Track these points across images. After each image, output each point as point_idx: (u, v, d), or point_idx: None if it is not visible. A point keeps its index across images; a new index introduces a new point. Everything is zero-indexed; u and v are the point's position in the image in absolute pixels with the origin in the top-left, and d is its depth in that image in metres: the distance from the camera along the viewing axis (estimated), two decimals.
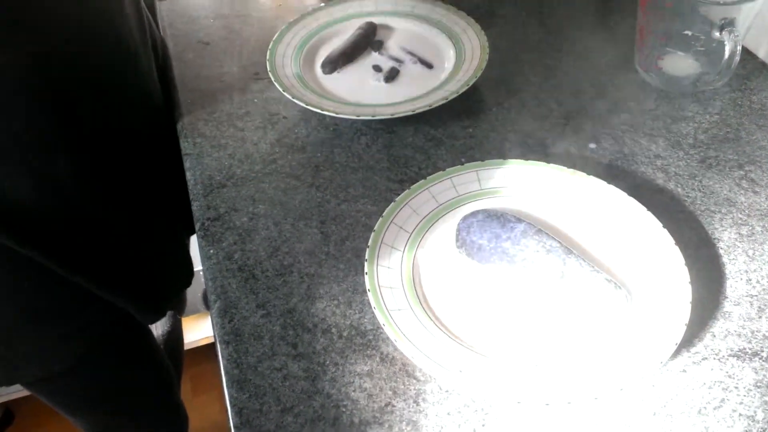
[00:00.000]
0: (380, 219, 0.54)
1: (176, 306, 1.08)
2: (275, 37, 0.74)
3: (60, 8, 0.59)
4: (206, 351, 1.61)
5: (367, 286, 0.49)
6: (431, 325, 0.47)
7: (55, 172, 0.63)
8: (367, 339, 0.50)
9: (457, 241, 0.53)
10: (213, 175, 0.64)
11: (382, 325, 0.47)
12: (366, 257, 0.51)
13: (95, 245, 0.69)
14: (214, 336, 0.51)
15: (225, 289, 0.54)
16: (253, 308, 0.52)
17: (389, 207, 0.55)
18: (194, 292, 1.47)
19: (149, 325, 0.90)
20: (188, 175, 0.64)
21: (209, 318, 1.57)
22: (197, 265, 0.87)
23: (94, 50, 0.64)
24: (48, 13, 0.58)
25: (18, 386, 0.80)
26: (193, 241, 0.92)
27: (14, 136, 0.59)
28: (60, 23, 0.59)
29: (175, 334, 1.11)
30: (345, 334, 0.50)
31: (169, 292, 0.85)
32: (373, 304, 0.48)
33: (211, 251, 0.57)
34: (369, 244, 0.52)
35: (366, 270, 0.50)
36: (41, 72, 0.58)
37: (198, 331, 1.55)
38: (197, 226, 0.59)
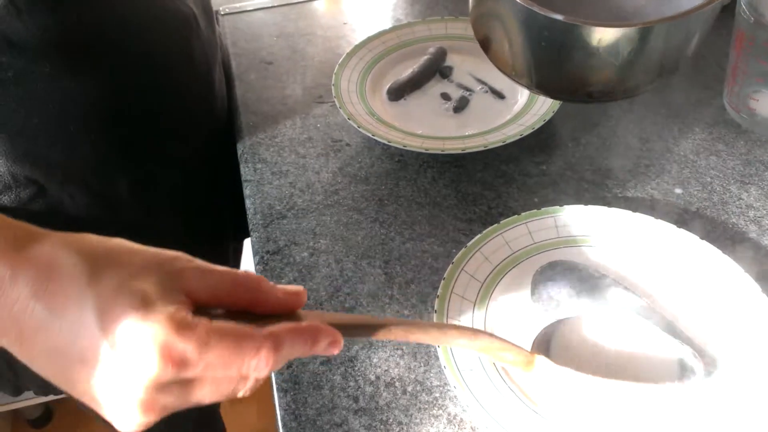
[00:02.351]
0: (450, 266, 0.51)
1: None
2: (341, 60, 0.72)
3: (138, 33, 0.58)
4: None
5: None
6: (505, 389, 0.44)
7: (114, 192, 0.62)
8: (433, 396, 0.46)
9: (533, 294, 0.49)
10: (273, 205, 0.61)
11: (453, 387, 0.44)
12: (435, 308, 0.48)
13: None
14: (271, 382, 0.49)
15: None
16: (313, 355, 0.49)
17: (460, 253, 0.51)
18: None
19: None
20: (248, 203, 0.62)
21: None
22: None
23: (168, 75, 0.63)
24: (126, 36, 0.57)
25: None
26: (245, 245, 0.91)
27: (78, 160, 0.58)
28: (137, 47, 0.58)
29: None
30: (410, 389, 0.47)
31: None
32: (443, 362, 0.45)
33: None
34: (438, 293, 0.49)
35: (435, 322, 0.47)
36: (113, 98, 0.57)
37: None
38: (255, 259, 0.57)
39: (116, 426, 0.31)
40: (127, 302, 0.29)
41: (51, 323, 0.29)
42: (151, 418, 0.31)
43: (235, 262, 0.86)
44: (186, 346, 0.29)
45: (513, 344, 0.39)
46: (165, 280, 0.31)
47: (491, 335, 0.38)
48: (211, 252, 0.78)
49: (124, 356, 0.29)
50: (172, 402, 0.31)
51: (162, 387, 0.30)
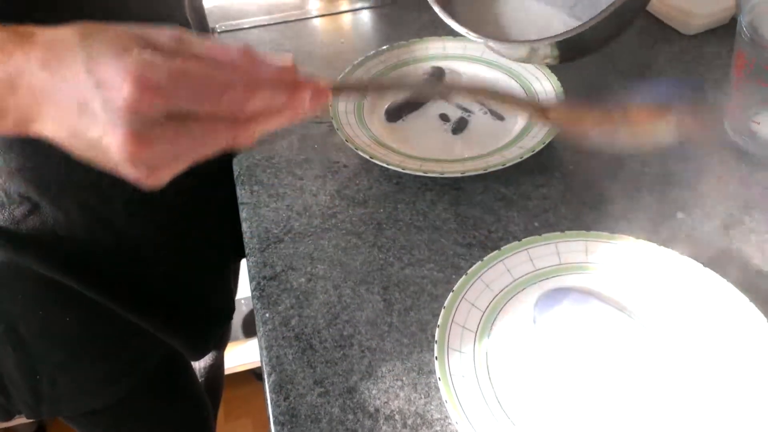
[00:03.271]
0: (451, 294, 0.50)
1: (220, 340, 1.05)
2: (338, 79, 0.71)
3: None
4: (241, 377, 1.59)
5: (438, 373, 0.45)
6: (508, 424, 0.43)
7: (109, 209, 0.61)
8: (434, 430, 0.45)
9: (534, 322, 0.48)
10: (270, 228, 0.60)
11: (455, 423, 0.43)
12: (436, 338, 0.47)
13: (145, 278, 0.68)
14: (268, 414, 0.48)
15: (281, 361, 0.50)
16: (311, 385, 0.48)
17: (460, 281, 0.50)
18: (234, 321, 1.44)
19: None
20: (244, 226, 0.61)
21: (246, 346, 1.55)
22: (244, 292, 0.85)
23: None
24: None
25: None
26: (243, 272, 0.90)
27: (72, 175, 0.57)
28: None
29: (216, 367, 1.09)
30: (410, 422, 0.46)
31: (215, 324, 0.83)
32: (444, 396, 0.44)
33: (267, 315, 0.53)
34: (439, 322, 0.48)
35: (436, 353, 0.46)
36: None
37: (234, 357, 1.52)
38: (252, 285, 0.56)
39: (133, 179, 0.35)
40: (111, 51, 0.32)
41: (54, 86, 0.33)
42: (156, 164, 0.34)
43: (235, 282, 0.85)
44: (159, 73, 0.32)
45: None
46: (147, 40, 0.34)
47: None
48: (210, 272, 0.77)
49: (106, 90, 0.32)
50: (167, 144, 0.33)
51: (150, 121, 0.32)
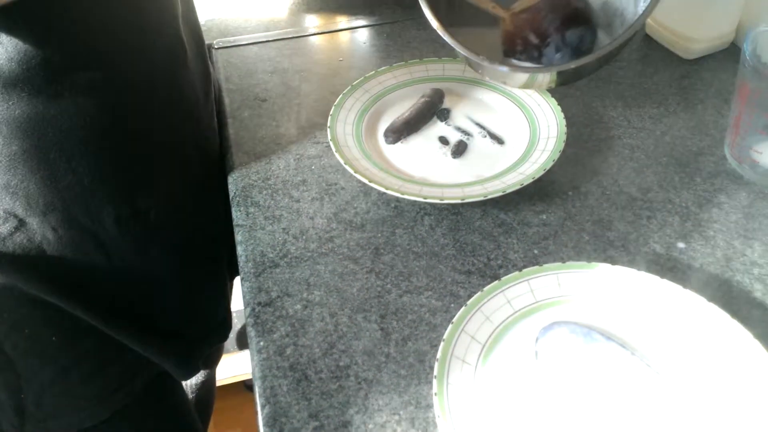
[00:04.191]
0: (450, 326, 0.49)
1: (212, 359, 1.04)
2: (336, 101, 0.70)
3: (124, 59, 0.57)
4: (231, 387, 1.57)
5: (437, 410, 0.44)
6: None
7: (100, 226, 0.60)
8: None
9: (535, 356, 0.47)
10: (265, 252, 0.59)
11: None
12: (435, 373, 0.46)
13: (135, 298, 0.67)
14: None
15: (275, 392, 0.49)
16: (305, 418, 0.47)
17: (460, 312, 0.50)
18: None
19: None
20: (239, 249, 0.60)
21: (238, 357, 1.53)
22: (238, 306, 0.84)
23: (151, 106, 0.61)
24: (110, 60, 0.55)
25: None
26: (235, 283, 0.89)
27: (60, 190, 0.56)
28: (122, 74, 0.56)
29: (208, 383, 1.07)
30: None
31: (207, 345, 0.82)
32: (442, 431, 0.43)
33: (262, 344, 0.52)
34: (438, 356, 0.47)
35: (435, 389, 0.45)
36: (95, 123, 0.55)
37: (226, 369, 1.51)
38: (247, 311, 0.55)
39: None
40: None
41: None
42: None
43: (226, 311, 0.83)
44: None
45: None
46: None
47: None
48: (204, 291, 0.76)
49: None
50: None
51: None
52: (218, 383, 1.51)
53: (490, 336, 0.49)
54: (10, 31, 0.48)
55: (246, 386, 1.62)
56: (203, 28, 0.73)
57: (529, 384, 0.47)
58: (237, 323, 1.51)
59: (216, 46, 0.85)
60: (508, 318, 0.50)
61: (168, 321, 0.71)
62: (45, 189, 0.56)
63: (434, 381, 0.46)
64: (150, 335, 0.68)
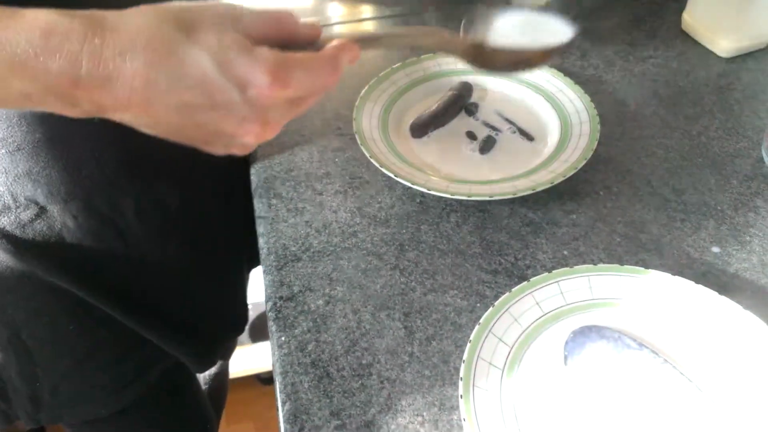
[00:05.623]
0: (477, 327, 0.47)
1: (227, 351, 1.04)
2: (362, 92, 0.69)
3: None
4: (244, 380, 1.56)
5: (463, 413, 0.43)
6: None
7: (119, 214, 0.60)
8: None
9: (565, 362, 0.46)
10: (288, 245, 0.58)
11: None
12: (461, 375, 0.45)
13: (153, 289, 0.66)
14: None
15: (296, 389, 0.48)
16: (327, 416, 0.46)
17: (487, 313, 0.48)
18: None
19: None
20: (261, 241, 0.59)
21: (251, 350, 1.53)
22: (252, 298, 0.83)
23: None
24: None
25: None
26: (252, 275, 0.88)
27: (82, 178, 0.56)
28: None
29: (221, 375, 1.07)
30: None
31: (224, 338, 0.81)
32: None
33: (283, 338, 0.51)
34: (464, 357, 0.46)
35: (461, 392, 0.44)
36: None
37: (239, 362, 1.50)
38: (268, 305, 0.54)
39: (240, 152, 0.39)
40: (234, 51, 0.35)
41: (177, 83, 0.34)
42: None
43: (243, 303, 0.82)
44: (288, 69, 0.36)
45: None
46: (237, 28, 0.36)
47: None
48: (222, 282, 0.75)
49: (250, 89, 0.35)
50: (283, 122, 0.39)
51: (275, 108, 0.37)
52: (231, 375, 1.51)
53: (517, 339, 0.47)
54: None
55: (259, 379, 1.61)
56: None
57: (558, 390, 0.45)
58: (251, 315, 1.50)
59: None
60: (536, 320, 0.48)
61: (186, 312, 0.70)
62: (67, 176, 0.55)
63: (460, 383, 0.44)
64: (167, 326, 0.67)
